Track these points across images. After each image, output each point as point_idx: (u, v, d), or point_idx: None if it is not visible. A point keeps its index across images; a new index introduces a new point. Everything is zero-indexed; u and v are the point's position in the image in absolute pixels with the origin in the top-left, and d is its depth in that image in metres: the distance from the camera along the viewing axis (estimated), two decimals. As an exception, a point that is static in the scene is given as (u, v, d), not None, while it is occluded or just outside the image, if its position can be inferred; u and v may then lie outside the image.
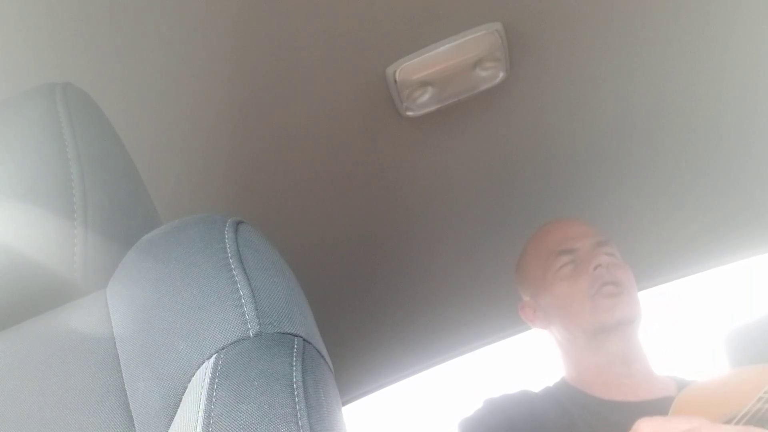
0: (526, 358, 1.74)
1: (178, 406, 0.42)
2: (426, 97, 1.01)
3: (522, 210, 1.29)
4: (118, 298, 0.48)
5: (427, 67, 0.96)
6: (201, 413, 0.38)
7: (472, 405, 1.11)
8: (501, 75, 1.00)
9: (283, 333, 0.43)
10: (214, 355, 0.41)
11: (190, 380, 0.42)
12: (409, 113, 1.03)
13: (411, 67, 0.95)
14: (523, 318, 1.18)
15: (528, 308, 1.17)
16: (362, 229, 1.24)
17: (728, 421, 0.76)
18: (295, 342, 0.42)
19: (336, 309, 1.36)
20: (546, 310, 1.12)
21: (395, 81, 0.97)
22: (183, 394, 0.42)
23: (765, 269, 1.54)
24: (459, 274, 1.39)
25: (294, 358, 0.41)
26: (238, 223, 0.51)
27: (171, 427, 0.41)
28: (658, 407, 0.97)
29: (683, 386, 1.03)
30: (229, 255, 0.46)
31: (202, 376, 0.41)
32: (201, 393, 0.40)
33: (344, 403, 1.52)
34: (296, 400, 0.39)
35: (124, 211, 0.54)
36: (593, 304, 1.04)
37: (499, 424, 1.04)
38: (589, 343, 1.06)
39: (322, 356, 0.45)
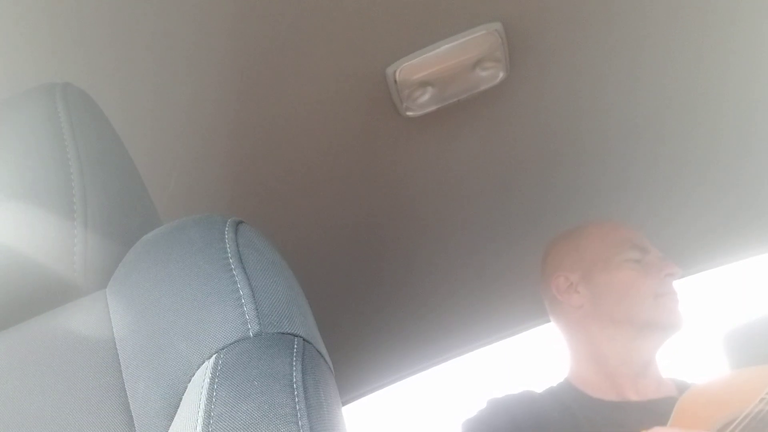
0: (528, 358, 1.74)
1: (178, 406, 0.42)
2: (426, 97, 1.01)
3: (523, 210, 1.29)
4: (118, 298, 0.48)
5: (427, 67, 0.96)
6: (201, 413, 0.38)
7: (474, 405, 1.11)
8: (501, 75, 1.00)
9: (283, 333, 0.43)
10: (214, 355, 0.41)
11: (190, 380, 0.42)
12: (409, 113, 1.03)
13: (411, 67, 0.95)
14: (554, 288, 1.15)
15: (563, 280, 1.14)
16: (362, 230, 1.24)
17: (730, 423, 0.76)
18: (295, 342, 0.42)
19: (336, 309, 1.36)
20: (597, 288, 1.11)
21: (395, 81, 0.97)
22: (183, 394, 0.42)
23: (765, 269, 1.54)
24: (459, 274, 1.39)
25: (294, 358, 0.41)
26: (238, 223, 0.51)
27: (171, 427, 0.41)
28: (661, 407, 0.98)
29: (682, 388, 1.03)
30: (229, 255, 0.46)
31: (202, 376, 0.41)
32: (201, 393, 0.40)
33: (344, 403, 1.52)
34: (296, 400, 0.39)
35: (124, 211, 0.54)
36: (657, 302, 1.06)
37: (503, 424, 1.05)
38: (628, 332, 1.07)
39: (322, 356, 0.45)
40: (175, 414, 0.42)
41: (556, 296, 1.15)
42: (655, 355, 1.08)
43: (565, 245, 1.19)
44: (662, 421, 0.87)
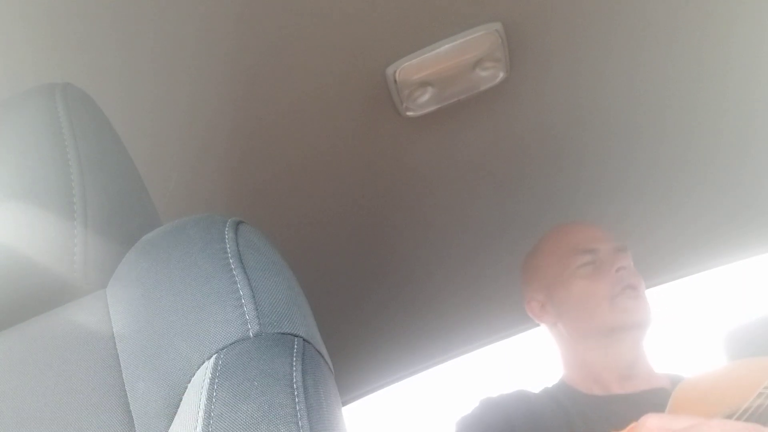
0: (526, 358, 1.74)
1: (178, 406, 0.42)
2: (426, 97, 1.01)
3: (523, 211, 1.29)
4: (118, 298, 0.48)
5: (427, 67, 0.96)
6: (201, 413, 0.38)
7: (469, 404, 1.11)
8: (501, 75, 1.00)
9: (283, 333, 0.43)
10: (214, 356, 0.41)
11: (190, 380, 0.42)
12: (409, 113, 1.03)
13: (411, 67, 0.95)
14: (529, 313, 1.18)
15: (535, 303, 1.17)
16: (362, 230, 1.24)
17: (728, 417, 0.75)
18: (295, 342, 0.42)
19: (336, 309, 1.36)
20: (560, 306, 1.12)
21: (395, 81, 0.97)
22: (183, 394, 0.42)
23: (765, 269, 1.54)
24: (459, 274, 1.39)
25: (294, 359, 0.41)
26: (238, 223, 0.51)
27: (171, 427, 0.41)
28: (653, 398, 0.98)
29: (676, 381, 1.03)
30: (230, 255, 0.46)
31: (202, 376, 0.41)
32: (201, 393, 0.40)
33: (344, 403, 1.52)
34: (296, 400, 0.39)
35: (124, 211, 0.54)
36: (613, 305, 1.05)
37: (497, 422, 1.05)
38: (600, 341, 1.07)
39: (322, 356, 0.45)
40: (175, 414, 0.42)
41: (534, 318, 1.18)
42: (637, 353, 1.07)
43: (528, 267, 1.22)
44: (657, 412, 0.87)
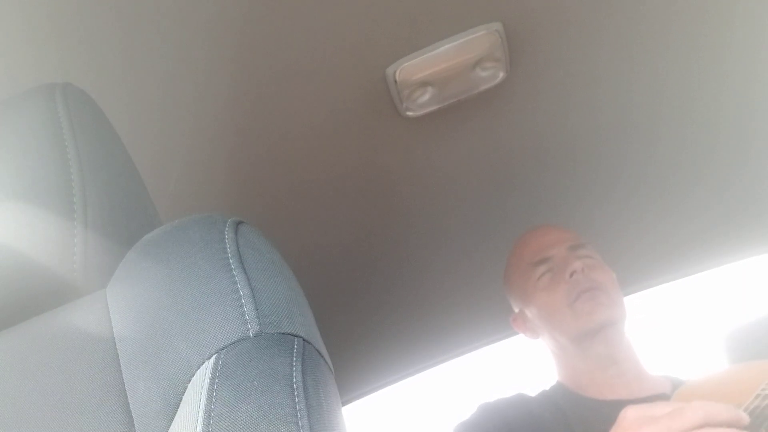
0: (525, 359, 1.74)
1: (178, 407, 0.42)
2: (426, 97, 1.01)
3: (522, 210, 1.29)
4: (118, 299, 0.48)
5: (427, 67, 0.96)
6: (201, 413, 0.38)
7: (467, 409, 1.11)
8: (501, 75, 1.00)
9: (283, 333, 0.43)
10: (214, 356, 0.41)
11: (190, 380, 0.42)
12: (409, 113, 1.03)
13: (411, 67, 0.95)
14: (516, 329, 1.20)
15: (519, 319, 1.19)
16: (362, 230, 1.24)
17: None
18: (295, 342, 0.42)
19: (336, 309, 1.36)
20: (532, 320, 1.14)
21: (395, 81, 0.97)
22: (183, 395, 0.42)
23: (765, 269, 1.54)
24: (459, 274, 1.39)
25: (294, 359, 0.41)
26: (239, 223, 0.51)
27: (171, 428, 0.41)
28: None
29: (677, 385, 1.03)
30: (229, 255, 0.46)
31: (202, 376, 0.41)
32: (201, 393, 0.40)
33: (344, 403, 1.52)
34: (296, 400, 0.39)
35: (124, 211, 0.54)
36: (573, 311, 1.05)
37: (496, 427, 1.04)
38: (576, 348, 1.07)
39: (322, 356, 0.45)
40: (175, 414, 0.42)
41: (520, 333, 1.20)
42: (618, 347, 1.06)
43: (504, 283, 1.23)
44: None
